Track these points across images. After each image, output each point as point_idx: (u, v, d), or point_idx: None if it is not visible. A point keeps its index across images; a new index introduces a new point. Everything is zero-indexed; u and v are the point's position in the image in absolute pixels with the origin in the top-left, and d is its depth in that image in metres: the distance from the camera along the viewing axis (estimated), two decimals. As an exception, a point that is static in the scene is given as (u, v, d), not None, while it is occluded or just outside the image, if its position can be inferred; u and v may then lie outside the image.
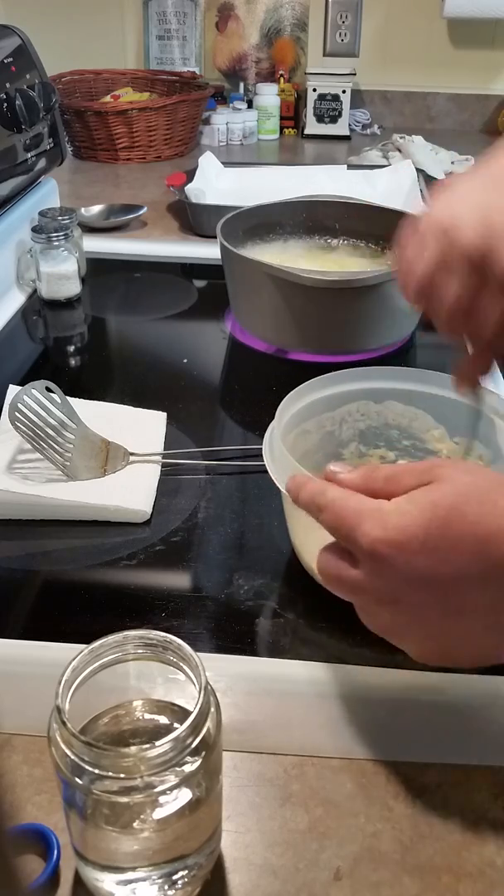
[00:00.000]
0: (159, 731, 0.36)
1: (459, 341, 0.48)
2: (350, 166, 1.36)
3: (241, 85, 1.85)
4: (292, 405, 0.56)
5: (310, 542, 0.51)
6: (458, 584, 0.35)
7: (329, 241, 0.95)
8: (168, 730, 0.33)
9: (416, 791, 0.42)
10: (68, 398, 0.66)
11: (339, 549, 0.39)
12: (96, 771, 0.31)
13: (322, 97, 1.74)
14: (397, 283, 0.49)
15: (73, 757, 0.31)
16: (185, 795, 0.32)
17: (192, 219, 1.16)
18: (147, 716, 0.37)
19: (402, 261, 0.48)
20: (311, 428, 0.58)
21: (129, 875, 0.35)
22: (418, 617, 0.37)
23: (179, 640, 0.34)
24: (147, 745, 0.31)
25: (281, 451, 0.49)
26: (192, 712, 0.32)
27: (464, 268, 0.44)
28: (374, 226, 0.93)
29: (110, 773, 0.31)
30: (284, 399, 0.55)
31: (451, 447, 0.59)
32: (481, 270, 0.43)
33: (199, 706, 0.32)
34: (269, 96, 1.76)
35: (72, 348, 0.90)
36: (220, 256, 0.85)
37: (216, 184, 1.24)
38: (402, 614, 0.38)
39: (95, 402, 0.71)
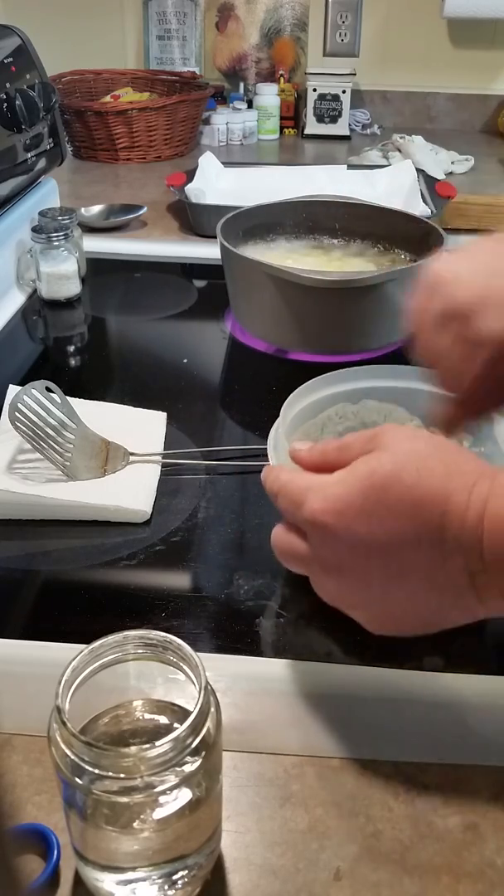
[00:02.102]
0: (159, 731, 0.36)
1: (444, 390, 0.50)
2: (350, 166, 1.36)
3: (241, 85, 1.85)
4: (291, 409, 0.56)
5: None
6: (396, 547, 0.37)
7: (329, 241, 0.95)
8: (168, 730, 0.33)
9: (416, 791, 0.42)
10: (68, 398, 0.66)
11: (290, 526, 0.42)
12: (96, 771, 0.31)
13: (322, 97, 1.74)
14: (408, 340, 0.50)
15: (73, 757, 0.31)
16: (185, 795, 0.32)
17: (192, 219, 1.16)
18: (147, 716, 0.37)
19: (408, 311, 0.50)
20: (299, 438, 0.58)
21: (129, 875, 0.35)
22: (362, 583, 0.39)
23: (179, 640, 0.34)
24: (147, 745, 0.31)
25: (286, 450, 0.49)
26: (192, 712, 0.32)
27: (453, 323, 0.46)
28: (374, 226, 0.93)
29: (110, 773, 0.31)
30: (286, 401, 0.55)
31: None
32: (467, 328, 0.45)
33: (199, 706, 0.32)
34: (269, 96, 1.76)
35: (72, 348, 0.90)
36: (220, 256, 0.85)
37: (216, 184, 1.24)
38: (347, 581, 0.40)
39: (95, 402, 0.71)
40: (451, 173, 1.52)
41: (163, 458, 0.65)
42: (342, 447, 0.41)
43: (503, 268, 0.46)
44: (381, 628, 0.41)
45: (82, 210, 1.18)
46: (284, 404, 0.55)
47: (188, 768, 0.32)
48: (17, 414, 0.61)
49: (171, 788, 0.32)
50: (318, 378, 0.59)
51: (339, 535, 0.38)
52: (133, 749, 0.31)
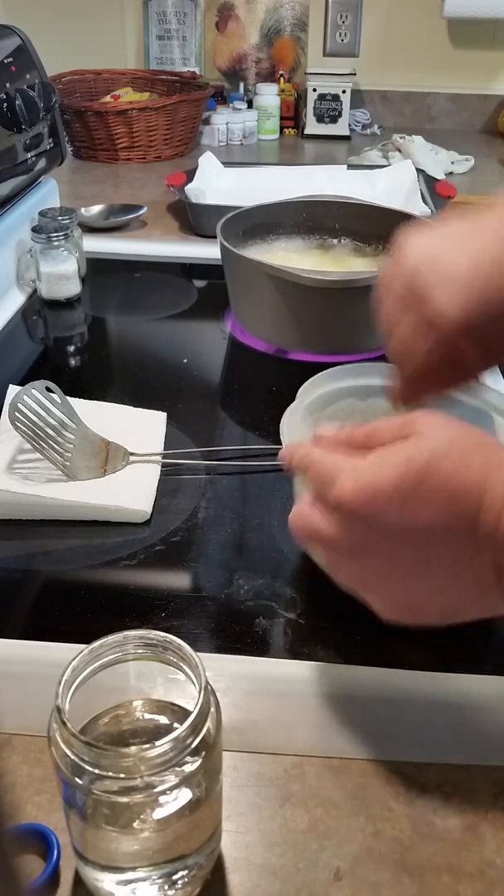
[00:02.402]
0: (159, 731, 0.36)
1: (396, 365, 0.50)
2: (350, 166, 1.36)
3: (241, 85, 1.85)
4: (308, 394, 0.57)
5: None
6: (428, 537, 0.36)
7: (329, 241, 0.95)
8: (168, 730, 0.33)
9: (416, 791, 0.42)
10: (68, 398, 0.66)
11: (314, 504, 0.40)
12: (96, 771, 0.31)
13: (322, 97, 1.74)
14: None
15: (73, 757, 0.31)
16: (185, 795, 0.32)
17: (192, 219, 1.16)
18: (147, 716, 0.37)
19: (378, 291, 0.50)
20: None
21: (129, 875, 0.35)
22: (388, 568, 0.38)
23: (179, 640, 0.34)
24: (147, 745, 0.31)
25: (300, 433, 0.49)
26: (192, 712, 0.32)
27: (410, 300, 0.46)
28: (374, 226, 0.93)
29: (110, 773, 0.31)
30: (303, 386, 0.56)
31: None
32: (422, 305, 0.45)
33: (199, 706, 0.32)
34: (269, 96, 1.76)
35: (72, 348, 0.90)
36: (220, 256, 0.85)
37: (216, 184, 1.24)
38: (372, 567, 0.39)
39: (95, 402, 0.71)
40: (451, 173, 1.52)
41: (163, 458, 0.65)
42: (370, 433, 0.40)
43: (469, 246, 0.45)
44: (397, 616, 0.40)
45: (82, 210, 1.18)
46: (301, 389, 0.55)
47: (188, 768, 0.32)
48: (17, 414, 0.61)
49: (171, 788, 0.32)
50: (333, 370, 0.59)
51: (371, 519, 0.37)
52: (133, 749, 0.31)
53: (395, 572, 0.38)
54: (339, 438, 0.41)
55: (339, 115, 1.76)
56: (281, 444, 0.50)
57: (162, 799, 0.32)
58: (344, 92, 1.73)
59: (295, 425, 0.53)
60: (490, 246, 0.45)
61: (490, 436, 0.40)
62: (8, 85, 0.92)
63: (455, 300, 0.44)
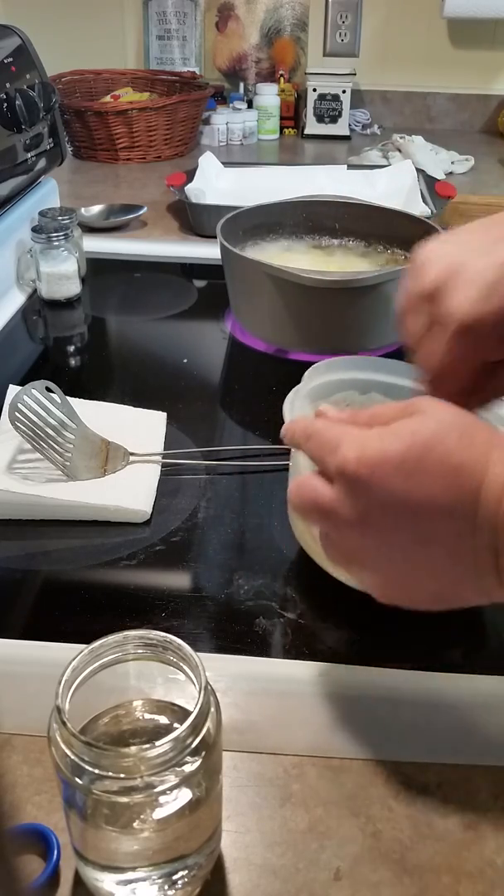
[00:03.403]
0: (159, 731, 0.36)
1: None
2: (350, 166, 1.36)
3: (241, 85, 1.85)
4: (312, 379, 0.57)
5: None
6: (428, 511, 0.36)
7: (329, 241, 0.95)
8: (168, 730, 0.33)
9: (416, 791, 0.42)
10: (68, 398, 0.66)
11: (315, 474, 0.40)
12: (96, 771, 0.31)
13: (322, 97, 1.74)
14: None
15: (73, 757, 0.31)
16: (185, 795, 0.32)
17: (192, 219, 1.16)
18: (147, 716, 0.37)
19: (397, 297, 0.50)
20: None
21: (129, 875, 0.35)
22: (385, 542, 0.38)
23: (179, 640, 0.34)
24: (147, 745, 0.31)
25: (302, 408, 0.50)
26: (192, 712, 0.32)
27: (422, 304, 0.46)
28: (374, 226, 0.93)
29: (110, 773, 0.31)
30: (309, 370, 0.56)
31: None
32: (436, 307, 0.45)
33: (199, 706, 0.32)
34: (269, 96, 1.76)
35: (72, 348, 0.90)
36: (220, 256, 0.85)
37: (216, 184, 1.24)
38: (370, 537, 0.38)
39: (95, 402, 0.71)
40: (451, 173, 1.52)
41: (163, 458, 0.65)
42: (374, 415, 0.39)
43: (479, 246, 0.45)
44: (391, 596, 0.39)
45: (82, 210, 1.18)
46: (306, 374, 0.55)
47: (188, 768, 0.32)
48: (17, 414, 0.61)
49: (171, 788, 0.32)
50: (337, 359, 0.58)
51: (373, 488, 0.36)
52: (133, 749, 0.31)
53: (393, 546, 0.38)
54: (341, 417, 0.41)
55: (339, 115, 1.76)
56: (281, 445, 0.50)
57: (162, 799, 0.32)
58: (344, 92, 1.73)
59: (297, 407, 0.53)
60: None
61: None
62: (8, 85, 0.92)
63: (468, 298, 0.43)
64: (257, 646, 0.50)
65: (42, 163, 1.03)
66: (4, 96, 0.90)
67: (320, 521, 0.40)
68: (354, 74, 1.74)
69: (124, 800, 0.31)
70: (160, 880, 0.35)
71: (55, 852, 0.38)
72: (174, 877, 0.35)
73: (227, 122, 1.72)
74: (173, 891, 0.36)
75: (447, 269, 0.44)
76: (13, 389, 0.66)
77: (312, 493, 0.39)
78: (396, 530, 0.37)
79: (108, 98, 1.65)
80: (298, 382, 0.58)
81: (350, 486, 0.37)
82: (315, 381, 0.57)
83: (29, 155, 0.98)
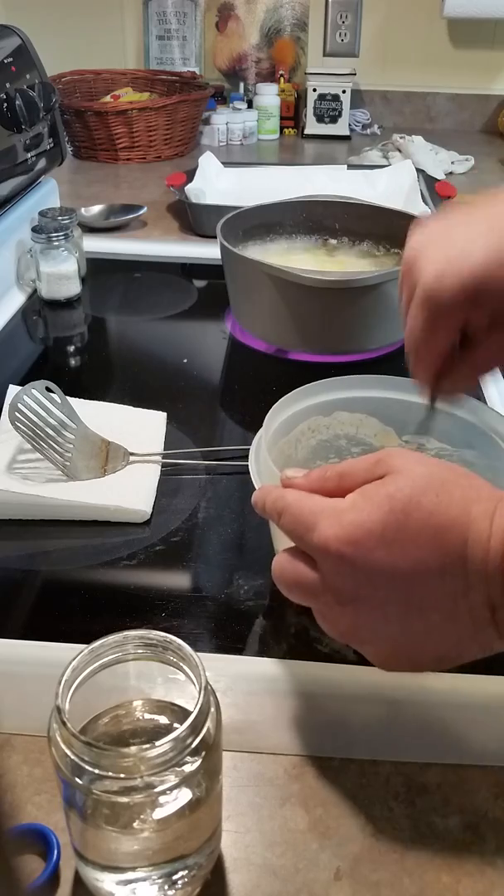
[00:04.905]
0: (159, 731, 0.36)
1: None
2: (350, 166, 1.36)
3: (241, 85, 1.85)
4: (273, 421, 0.55)
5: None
6: (418, 578, 0.35)
7: (329, 241, 0.95)
8: (168, 730, 0.33)
9: (416, 791, 0.42)
10: (68, 398, 0.66)
11: (296, 553, 0.39)
12: (96, 771, 0.31)
13: (322, 97, 1.74)
14: None
15: (73, 757, 0.31)
16: (185, 795, 0.32)
17: (192, 219, 1.16)
18: (147, 716, 0.37)
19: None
20: (274, 457, 0.57)
21: (129, 875, 0.35)
22: (380, 614, 0.36)
23: (179, 640, 0.34)
24: (147, 745, 0.31)
25: (266, 462, 0.48)
26: (192, 712, 0.32)
27: (408, 283, 0.46)
28: (374, 226, 0.93)
29: (110, 773, 0.31)
30: (269, 413, 0.54)
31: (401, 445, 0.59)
32: (413, 284, 0.45)
33: (199, 706, 0.32)
34: (269, 96, 1.76)
35: (72, 348, 0.90)
36: (220, 256, 0.85)
37: (216, 184, 1.24)
38: (364, 614, 0.37)
39: (95, 402, 0.71)
40: (451, 173, 1.52)
41: (163, 458, 0.65)
42: (343, 474, 0.38)
43: (473, 226, 0.45)
44: (394, 665, 0.38)
45: (82, 210, 1.18)
46: (266, 419, 0.53)
47: (188, 768, 0.32)
48: (17, 414, 0.61)
49: (171, 788, 0.32)
50: (290, 394, 0.56)
51: (358, 564, 0.35)
52: (133, 749, 0.31)
53: (389, 618, 0.36)
54: (311, 481, 0.40)
55: (339, 115, 1.76)
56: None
57: (162, 799, 0.32)
58: (344, 92, 1.73)
59: (262, 459, 0.50)
60: (496, 224, 0.44)
61: (474, 470, 0.39)
62: (8, 85, 0.92)
63: (447, 272, 0.43)
64: (257, 646, 0.50)
65: (42, 163, 1.03)
66: (4, 96, 0.90)
67: (310, 602, 0.39)
68: (354, 74, 1.74)
69: (124, 800, 0.31)
70: (160, 880, 0.35)
71: (55, 852, 0.38)
72: (174, 877, 0.35)
73: (227, 122, 1.72)
74: (173, 891, 0.36)
75: (423, 241, 0.45)
76: (13, 389, 0.66)
77: (295, 575, 0.38)
78: (389, 602, 0.36)
79: (108, 98, 1.65)
80: (299, 383, 0.58)
81: (334, 565, 0.36)
82: (276, 421, 0.54)
83: (29, 155, 0.98)
